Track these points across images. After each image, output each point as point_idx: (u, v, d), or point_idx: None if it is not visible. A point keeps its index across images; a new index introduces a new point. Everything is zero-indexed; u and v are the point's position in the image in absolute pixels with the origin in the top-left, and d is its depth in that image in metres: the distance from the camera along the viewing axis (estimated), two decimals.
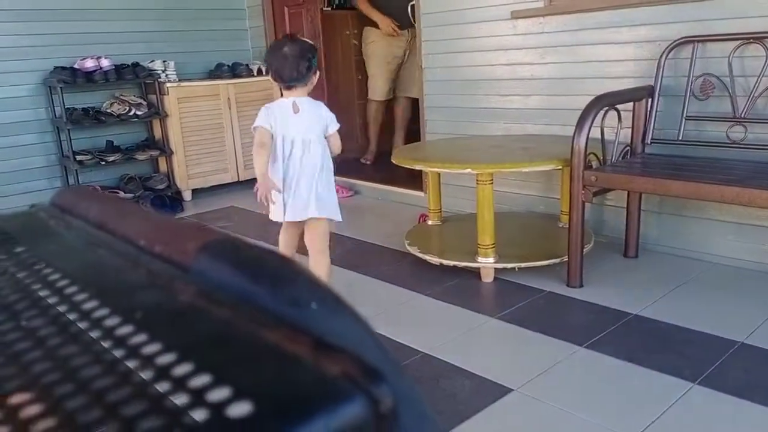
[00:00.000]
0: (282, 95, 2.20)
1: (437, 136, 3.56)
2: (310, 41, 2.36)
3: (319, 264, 2.23)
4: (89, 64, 3.95)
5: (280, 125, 2.13)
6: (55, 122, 3.98)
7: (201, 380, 0.23)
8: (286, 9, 4.75)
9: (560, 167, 2.48)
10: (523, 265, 2.46)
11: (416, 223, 3.20)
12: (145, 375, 0.24)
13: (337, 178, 4.31)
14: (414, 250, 2.68)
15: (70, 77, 3.84)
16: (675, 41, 2.52)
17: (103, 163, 3.96)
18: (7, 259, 0.41)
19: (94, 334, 0.28)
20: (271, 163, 2.15)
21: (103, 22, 4.16)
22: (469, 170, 2.44)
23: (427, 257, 2.61)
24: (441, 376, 1.82)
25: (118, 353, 0.26)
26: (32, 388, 0.24)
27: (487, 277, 2.50)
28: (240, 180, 4.51)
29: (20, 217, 0.47)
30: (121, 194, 3.99)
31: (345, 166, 4.62)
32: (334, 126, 2.22)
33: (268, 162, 2.12)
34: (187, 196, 4.27)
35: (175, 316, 0.29)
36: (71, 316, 0.31)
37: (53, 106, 3.97)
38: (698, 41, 2.47)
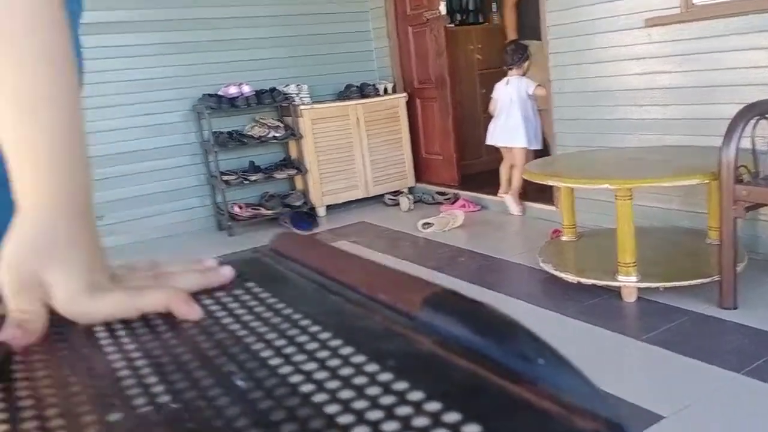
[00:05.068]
0: (507, 75, 3.97)
1: (568, 149, 3.48)
2: (525, 44, 4.00)
3: (515, 173, 3.88)
4: (232, 90, 4.27)
5: (500, 93, 3.96)
6: (203, 145, 4.34)
7: (471, 430, 0.27)
8: (410, 29, 4.86)
9: (706, 181, 2.34)
10: (668, 284, 2.34)
11: (549, 238, 3.14)
12: (419, 422, 0.28)
13: (464, 192, 4.37)
14: (548, 268, 2.63)
15: (216, 103, 4.18)
16: None
17: (246, 182, 4.26)
18: (245, 293, 0.48)
19: (358, 380, 0.33)
20: (495, 113, 4.01)
21: (244, 50, 4.49)
22: (606, 185, 2.37)
23: (564, 275, 2.55)
24: None
25: (388, 400, 0.30)
26: (289, 424, 0.29)
27: (629, 297, 2.40)
28: (370, 195, 4.66)
29: (246, 260, 0.54)
30: (263, 211, 4.26)
31: (471, 180, 4.64)
32: (531, 88, 3.82)
33: (495, 109, 4.02)
34: (321, 212, 4.48)
35: (424, 364, 0.33)
36: (323, 354, 0.36)
37: (201, 131, 4.34)
38: None
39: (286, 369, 0.35)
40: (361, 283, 0.44)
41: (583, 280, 2.48)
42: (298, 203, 4.35)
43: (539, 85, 3.78)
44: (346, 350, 0.36)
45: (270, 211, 4.27)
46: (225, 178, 4.21)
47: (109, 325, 0.45)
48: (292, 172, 4.43)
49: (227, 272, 0.49)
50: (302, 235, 0.57)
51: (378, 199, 4.72)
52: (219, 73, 4.38)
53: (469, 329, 0.35)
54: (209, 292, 0.48)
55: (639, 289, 2.41)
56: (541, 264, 2.69)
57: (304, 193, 4.45)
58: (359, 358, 0.35)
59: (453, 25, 5.22)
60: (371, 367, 0.34)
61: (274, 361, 0.36)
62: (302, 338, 0.38)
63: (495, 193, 4.13)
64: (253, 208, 4.27)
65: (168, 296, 0.44)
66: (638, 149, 2.98)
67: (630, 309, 2.37)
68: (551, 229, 3.22)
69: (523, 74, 3.94)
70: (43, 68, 0.47)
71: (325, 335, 0.38)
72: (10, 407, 0.34)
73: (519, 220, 3.83)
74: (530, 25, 4.23)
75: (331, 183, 4.50)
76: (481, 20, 5.80)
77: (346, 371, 0.34)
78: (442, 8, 4.54)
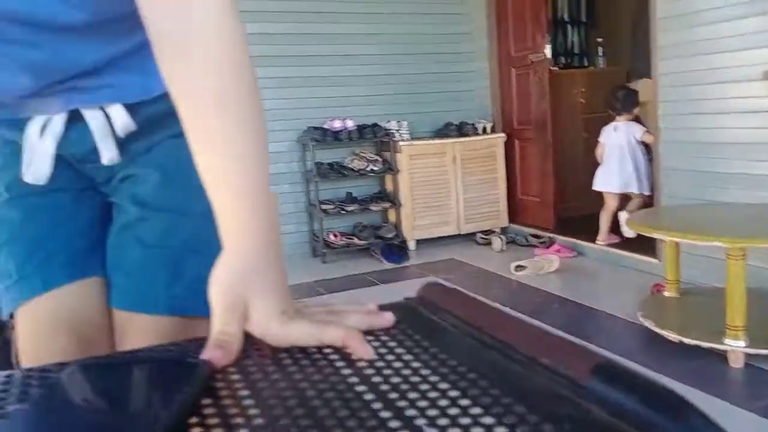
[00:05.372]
0: (614, 119, 3.97)
1: (675, 200, 3.36)
2: (634, 89, 4.02)
3: (632, 205, 3.93)
4: (337, 124, 4.44)
5: (609, 138, 3.96)
6: (305, 175, 4.53)
7: None
8: (513, 70, 4.88)
9: None
10: None
11: (649, 293, 3.03)
12: None
13: (560, 237, 4.29)
14: (649, 324, 2.54)
15: (321, 136, 4.35)
16: None
17: (343, 212, 4.39)
18: (407, 340, 0.52)
19: None
20: (603, 159, 4.01)
21: (349, 87, 4.67)
22: (718, 243, 2.28)
23: (665, 333, 2.45)
24: None
25: None
26: None
27: (736, 362, 2.28)
28: (461, 233, 4.67)
29: (401, 307, 0.59)
30: (356, 240, 4.37)
31: (566, 225, 4.54)
32: (639, 134, 3.83)
33: (602, 155, 4.02)
34: (411, 245, 4.53)
35: None
36: (497, 410, 0.39)
37: (305, 161, 4.53)
38: None
39: (464, 420, 0.39)
40: (522, 343, 0.48)
41: (686, 340, 2.37)
42: (389, 235, 4.43)
43: (647, 131, 3.75)
44: (519, 409, 0.39)
45: (362, 242, 4.37)
46: (323, 207, 4.36)
47: (290, 352, 0.50)
48: (387, 204, 4.52)
49: (390, 317, 0.54)
50: (447, 287, 0.60)
51: (469, 237, 4.72)
52: (324, 107, 4.57)
53: (641, 403, 0.37)
54: (374, 333, 0.53)
55: (747, 354, 2.28)
56: (641, 319, 2.60)
57: (396, 226, 4.52)
58: (533, 418, 0.38)
59: (557, 68, 5.21)
60: (547, 428, 0.37)
61: (452, 411, 0.40)
62: (474, 391, 0.42)
63: (592, 240, 4.04)
64: (346, 238, 4.39)
65: (345, 334, 0.49)
66: (753, 206, 2.84)
67: (736, 375, 2.24)
68: (652, 283, 3.10)
69: (633, 119, 3.93)
70: (255, 125, 0.55)
71: (494, 391, 0.42)
72: (222, 422, 0.40)
73: (616, 270, 3.71)
74: None
75: (424, 218, 4.55)
76: (586, 64, 5.75)
77: (523, 429, 0.37)
78: (548, 51, 4.55)
